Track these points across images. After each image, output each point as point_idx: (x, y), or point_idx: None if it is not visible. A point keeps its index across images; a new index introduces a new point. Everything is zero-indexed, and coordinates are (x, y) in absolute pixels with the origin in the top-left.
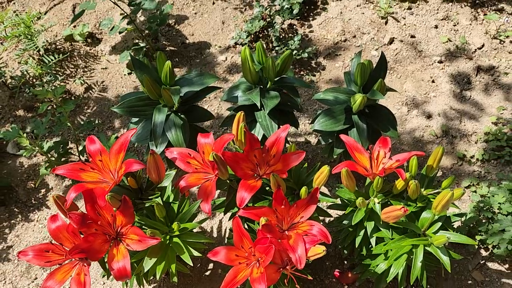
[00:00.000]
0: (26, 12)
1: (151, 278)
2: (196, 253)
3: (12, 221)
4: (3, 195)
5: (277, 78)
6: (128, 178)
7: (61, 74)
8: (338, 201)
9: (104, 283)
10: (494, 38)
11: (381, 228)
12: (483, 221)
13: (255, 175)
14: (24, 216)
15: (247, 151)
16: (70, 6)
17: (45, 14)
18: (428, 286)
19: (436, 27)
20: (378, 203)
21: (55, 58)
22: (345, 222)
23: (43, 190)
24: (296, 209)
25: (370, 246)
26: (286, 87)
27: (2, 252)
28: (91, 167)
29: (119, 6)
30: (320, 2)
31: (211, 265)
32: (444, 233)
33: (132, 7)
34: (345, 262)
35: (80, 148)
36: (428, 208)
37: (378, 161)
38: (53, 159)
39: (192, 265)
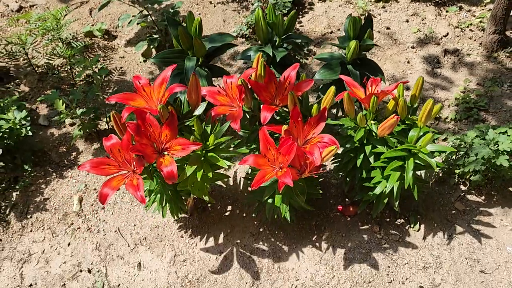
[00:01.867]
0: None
1: (181, 216)
2: (228, 163)
3: (48, 178)
4: (38, 157)
5: (284, 36)
6: (169, 107)
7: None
8: (342, 126)
9: (134, 226)
10: (456, 28)
11: (378, 146)
12: (460, 156)
13: (272, 104)
14: (58, 174)
15: (266, 82)
16: (87, 10)
17: (65, 16)
18: (419, 216)
19: (407, 21)
20: (374, 124)
21: (80, 45)
22: (347, 145)
23: (74, 153)
24: (308, 126)
25: (369, 169)
26: (292, 43)
27: (40, 203)
28: (141, 91)
29: (137, 5)
30: (307, 4)
31: (229, 208)
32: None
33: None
34: (347, 200)
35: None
36: (414, 127)
37: (372, 91)
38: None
39: (227, 167)
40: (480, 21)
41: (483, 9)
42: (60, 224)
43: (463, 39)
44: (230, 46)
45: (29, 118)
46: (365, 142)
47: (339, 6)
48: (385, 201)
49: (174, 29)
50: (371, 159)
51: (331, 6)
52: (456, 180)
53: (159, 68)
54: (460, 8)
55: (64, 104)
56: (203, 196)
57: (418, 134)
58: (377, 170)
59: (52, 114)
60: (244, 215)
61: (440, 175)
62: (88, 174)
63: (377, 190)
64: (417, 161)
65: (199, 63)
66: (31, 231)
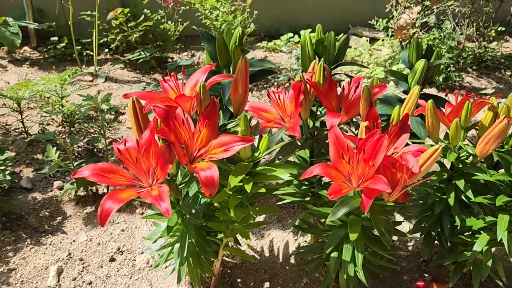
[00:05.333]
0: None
1: (205, 275)
2: (288, 175)
3: (19, 245)
4: (10, 221)
5: (334, 66)
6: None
7: (87, 132)
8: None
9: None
10: None
11: (477, 173)
12: None
13: None
14: (34, 240)
15: (326, 91)
16: (95, 90)
17: (70, 93)
18: None
19: None
20: (467, 144)
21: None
22: (434, 178)
23: (59, 218)
24: (388, 138)
25: (462, 218)
26: (343, 73)
27: (2, 275)
28: (167, 91)
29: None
30: None
31: (266, 284)
32: None
33: (168, 65)
34: (425, 275)
35: None
36: None
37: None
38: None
39: (286, 179)
40: None
41: None
42: None
43: None
44: (270, 73)
45: (10, 163)
46: (460, 167)
47: None
48: (489, 263)
49: (209, 44)
50: (469, 193)
51: None
52: None
53: None
54: None
55: (58, 153)
56: (244, 239)
57: None
58: (472, 219)
59: (37, 178)
60: None
61: None
62: (74, 241)
63: (477, 247)
64: None
65: None
66: None
